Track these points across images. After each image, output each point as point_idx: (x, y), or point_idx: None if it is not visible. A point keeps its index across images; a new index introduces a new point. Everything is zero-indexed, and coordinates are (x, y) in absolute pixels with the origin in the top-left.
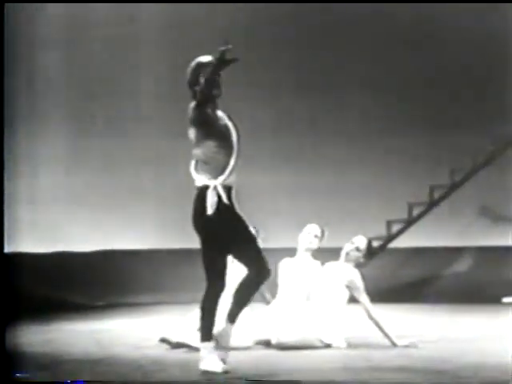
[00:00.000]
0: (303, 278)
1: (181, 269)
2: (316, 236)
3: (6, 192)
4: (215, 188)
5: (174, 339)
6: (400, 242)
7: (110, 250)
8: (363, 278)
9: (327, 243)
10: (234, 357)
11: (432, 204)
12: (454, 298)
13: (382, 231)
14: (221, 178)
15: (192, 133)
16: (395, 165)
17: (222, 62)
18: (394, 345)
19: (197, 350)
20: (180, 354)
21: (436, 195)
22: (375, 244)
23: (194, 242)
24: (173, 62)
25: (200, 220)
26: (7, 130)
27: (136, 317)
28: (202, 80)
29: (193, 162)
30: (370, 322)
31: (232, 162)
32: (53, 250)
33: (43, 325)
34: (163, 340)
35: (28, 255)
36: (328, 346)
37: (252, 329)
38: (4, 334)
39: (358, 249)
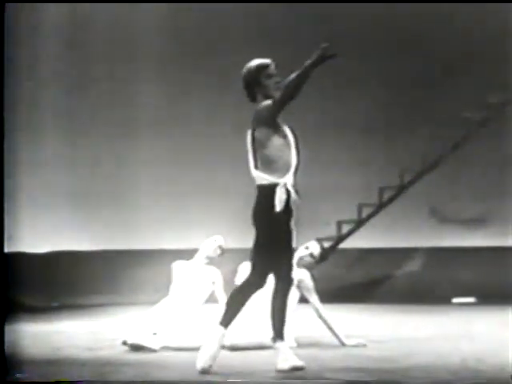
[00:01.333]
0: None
1: (134, 270)
2: None
3: (6, 191)
4: (285, 185)
5: (130, 341)
6: (350, 243)
7: (62, 251)
8: (313, 278)
9: None
10: (186, 357)
11: (382, 205)
12: (404, 299)
13: (333, 232)
14: (289, 176)
15: (261, 133)
16: (345, 166)
17: (322, 59)
18: (343, 344)
19: (152, 351)
20: (135, 355)
21: (386, 196)
22: (326, 245)
23: (146, 243)
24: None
25: (265, 217)
26: (7, 129)
27: (88, 318)
28: (265, 82)
29: (252, 161)
30: (320, 322)
31: (295, 160)
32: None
33: None
34: (124, 342)
35: None
36: None
37: (204, 329)
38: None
39: (311, 255)
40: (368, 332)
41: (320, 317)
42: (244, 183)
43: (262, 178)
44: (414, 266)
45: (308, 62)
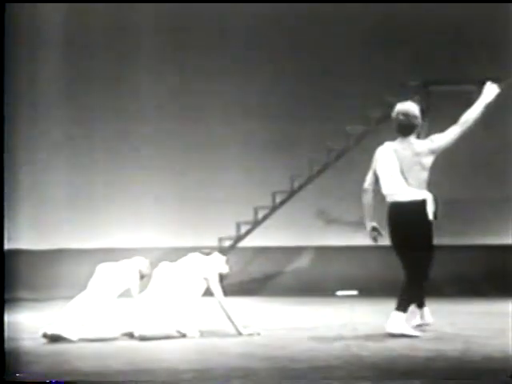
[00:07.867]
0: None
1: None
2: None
3: (7, 189)
4: (433, 199)
5: (50, 331)
6: (248, 242)
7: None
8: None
9: (185, 242)
10: (100, 347)
11: (275, 208)
12: (294, 292)
13: (232, 232)
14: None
15: (429, 159)
16: (241, 173)
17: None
18: (240, 333)
19: (72, 342)
20: (55, 346)
21: (278, 200)
22: (226, 243)
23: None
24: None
25: (425, 227)
26: (7, 128)
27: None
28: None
29: (403, 181)
30: (222, 313)
31: None
32: None
33: None
34: (44, 335)
35: None
36: (183, 335)
37: (118, 321)
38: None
39: (224, 270)
40: (261, 322)
41: (222, 308)
42: None
43: (422, 195)
44: (303, 262)
45: (480, 100)
